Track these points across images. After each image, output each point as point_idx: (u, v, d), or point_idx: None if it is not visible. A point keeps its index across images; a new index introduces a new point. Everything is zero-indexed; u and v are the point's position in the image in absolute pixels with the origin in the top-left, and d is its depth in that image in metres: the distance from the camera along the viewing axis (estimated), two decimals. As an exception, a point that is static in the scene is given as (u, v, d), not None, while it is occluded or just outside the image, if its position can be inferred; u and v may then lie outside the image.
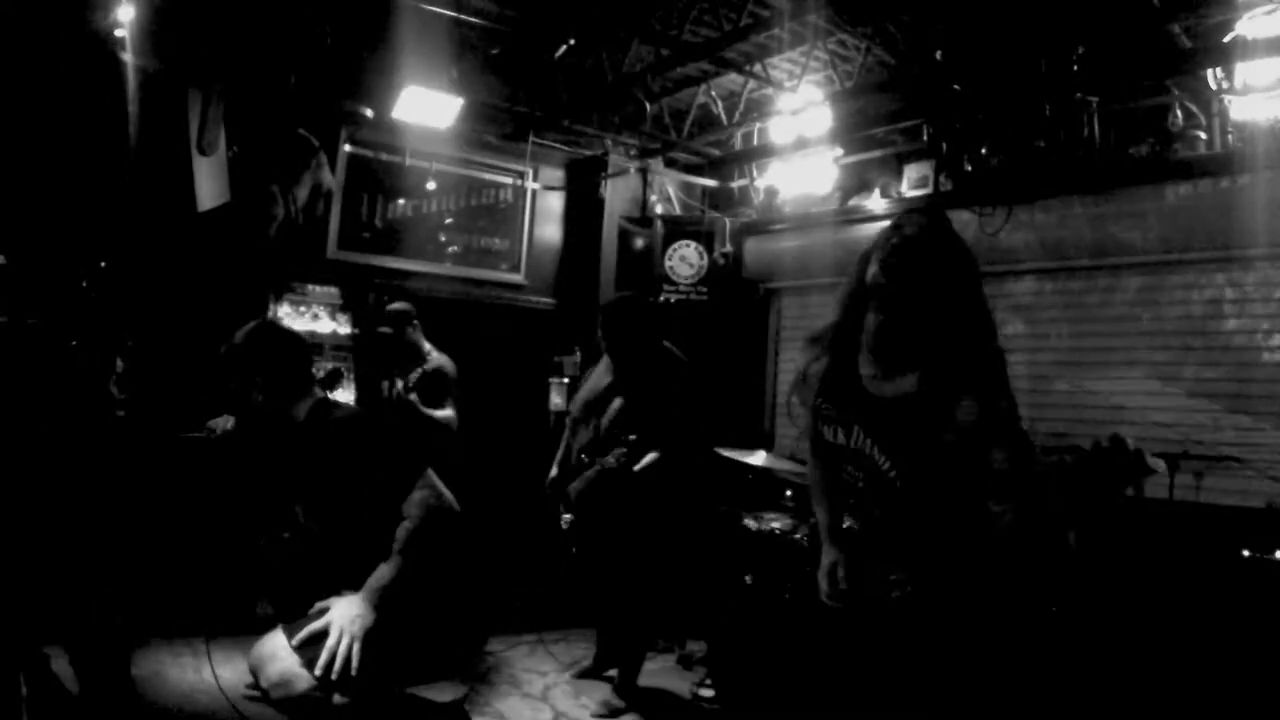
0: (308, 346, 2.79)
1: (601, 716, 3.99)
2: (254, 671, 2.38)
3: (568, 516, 4.01)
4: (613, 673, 4.21)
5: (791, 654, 3.76)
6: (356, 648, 2.31)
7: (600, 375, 4.10)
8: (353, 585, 2.55)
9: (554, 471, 4.21)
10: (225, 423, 2.97)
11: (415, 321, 5.06)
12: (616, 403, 3.88)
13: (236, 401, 2.70)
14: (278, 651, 2.34)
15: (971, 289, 2.12)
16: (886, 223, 2.21)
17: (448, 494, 2.49)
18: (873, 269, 2.10)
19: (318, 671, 2.26)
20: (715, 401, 6.98)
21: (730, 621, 4.12)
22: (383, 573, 2.39)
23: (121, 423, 4.62)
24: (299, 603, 2.77)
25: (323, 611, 2.45)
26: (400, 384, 4.94)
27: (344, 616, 2.34)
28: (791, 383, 2.41)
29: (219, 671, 2.64)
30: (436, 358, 5.01)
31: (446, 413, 4.86)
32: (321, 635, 2.32)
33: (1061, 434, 5.29)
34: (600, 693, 4.18)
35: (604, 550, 4.03)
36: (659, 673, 4.79)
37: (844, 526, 2.30)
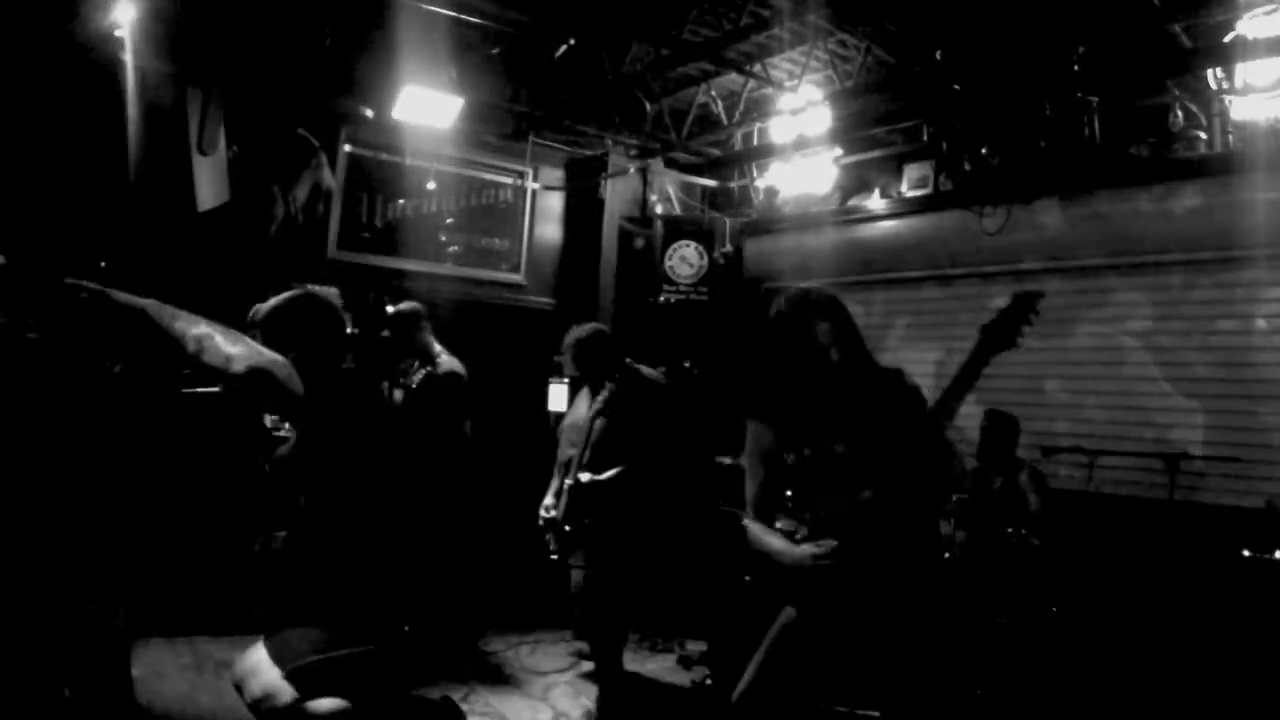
0: (344, 319, 2.73)
1: (601, 715, 4.00)
2: (238, 685, 2.39)
3: (555, 548, 4.21)
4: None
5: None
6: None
7: (584, 399, 4.30)
8: (344, 587, 2.53)
9: (549, 499, 4.25)
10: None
11: (425, 323, 4.75)
12: (599, 424, 4.02)
13: None
14: (260, 666, 2.35)
15: None
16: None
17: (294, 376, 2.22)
18: None
19: None
20: (716, 402, 7.02)
21: (730, 621, 4.12)
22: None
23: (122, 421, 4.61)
24: (294, 603, 2.75)
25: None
26: (400, 391, 4.59)
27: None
28: None
29: (219, 673, 2.65)
30: (447, 360, 4.55)
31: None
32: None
33: (1061, 434, 5.29)
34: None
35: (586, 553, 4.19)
36: (660, 672, 4.80)
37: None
